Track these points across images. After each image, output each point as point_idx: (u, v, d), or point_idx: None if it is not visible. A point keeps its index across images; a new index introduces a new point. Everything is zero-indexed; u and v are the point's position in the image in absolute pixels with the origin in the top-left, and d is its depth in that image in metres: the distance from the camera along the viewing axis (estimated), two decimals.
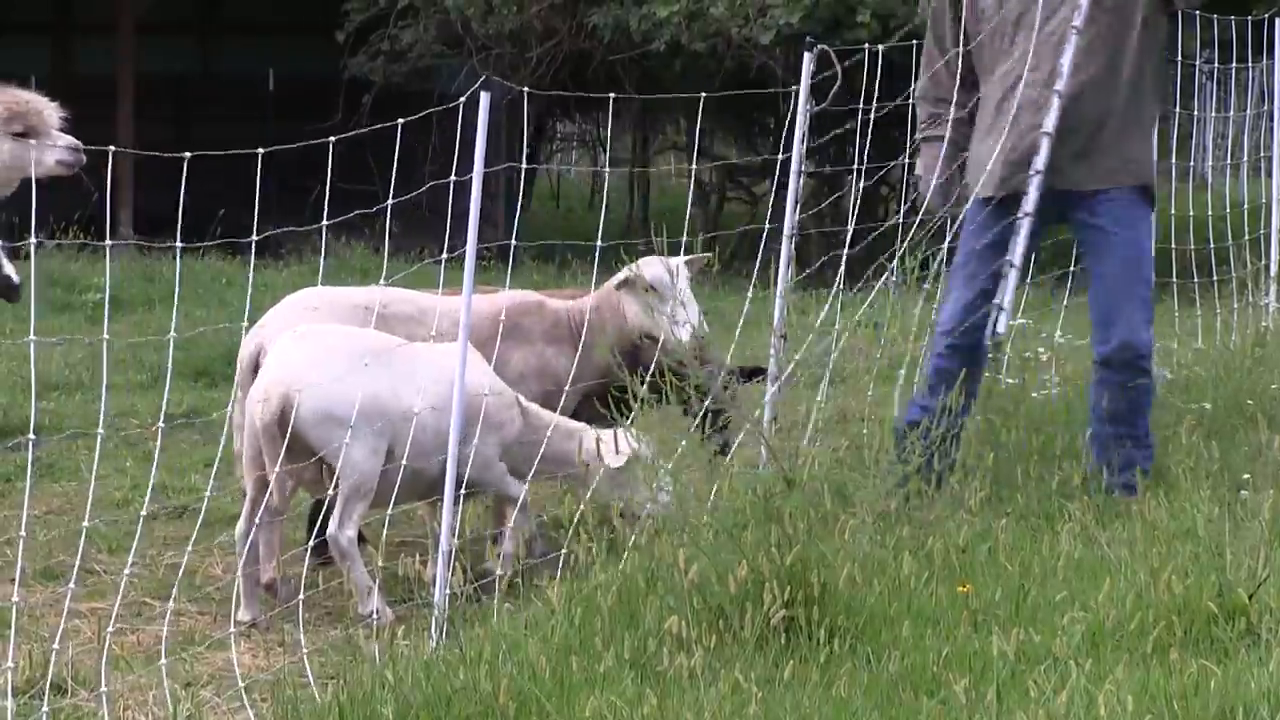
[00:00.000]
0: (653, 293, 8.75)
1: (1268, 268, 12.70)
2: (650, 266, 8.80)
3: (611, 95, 9.29)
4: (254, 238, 7.07)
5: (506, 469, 8.27)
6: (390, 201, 7.47)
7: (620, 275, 8.79)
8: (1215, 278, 12.51)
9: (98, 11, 23.20)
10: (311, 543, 8.21)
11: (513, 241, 8.27)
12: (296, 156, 7.54)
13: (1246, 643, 6.53)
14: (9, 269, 10.33)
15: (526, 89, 8.88)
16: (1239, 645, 6.51)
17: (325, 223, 7.43)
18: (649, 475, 7.89)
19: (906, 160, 10.17)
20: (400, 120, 7.43)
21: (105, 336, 7.01)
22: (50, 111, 8.34)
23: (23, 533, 6.32)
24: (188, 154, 6.67)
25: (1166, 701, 5.94)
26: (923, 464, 8.08)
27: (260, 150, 7.05)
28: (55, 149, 8.29)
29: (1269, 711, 5.87)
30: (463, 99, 7.34)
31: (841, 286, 9.35)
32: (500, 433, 8.16)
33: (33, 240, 6.30)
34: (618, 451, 8.13)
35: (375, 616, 7.63)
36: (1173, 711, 5.90)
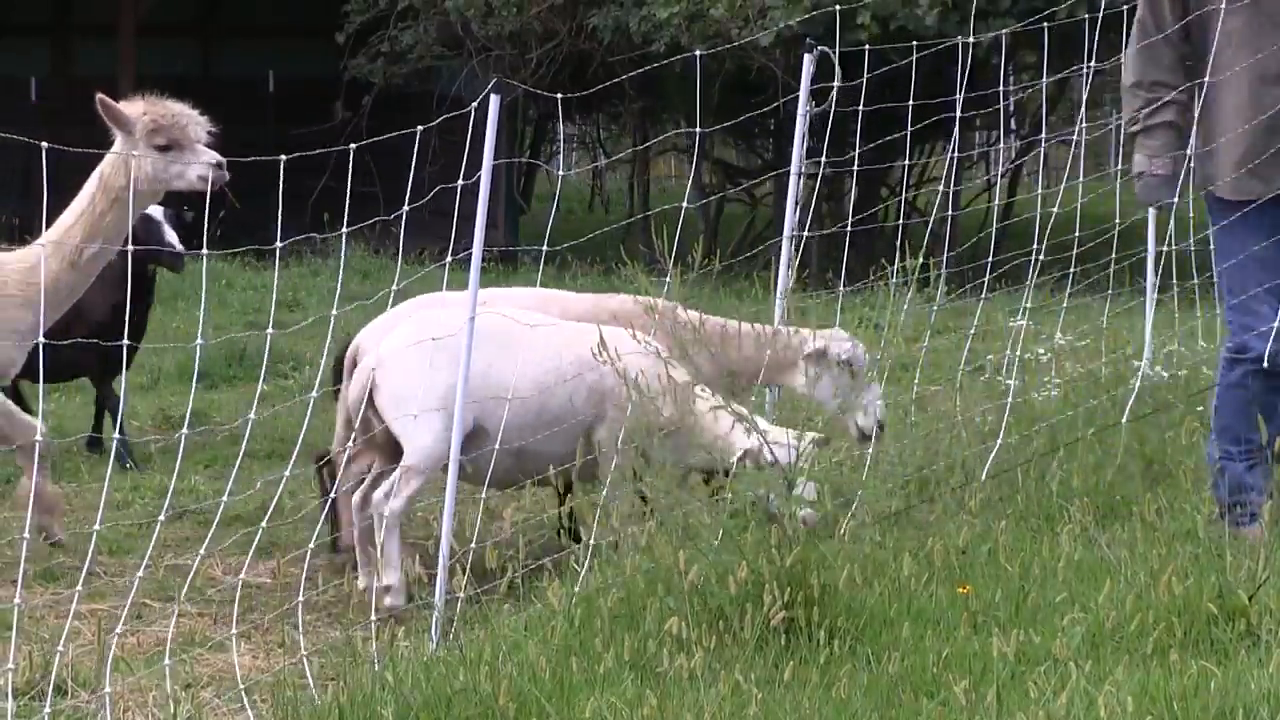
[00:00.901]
0: (843, 370, 8.64)
1: None
2: (846, 343, 8.68)
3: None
4: (278, 244, 7.16)
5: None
6: (406, 207, 7.48)
7: (813, 343, 8.64)
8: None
9: (98, 13, 23.21)
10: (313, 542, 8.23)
11: (544, 247, 8.18)
12: (296, 158, 7.54)
13: (1246, 644, 6.53)
14: (173, 238, 10.55)
15: (560, 95, 8.87)
16: (1239, 646, 6.51)
17: (345, 230, 7.46)
18: (792, 479, 7.83)
19: (907, 162, 10.18)
20: (419, 127, 7.46)
21: (125, 341, 7.03)
22: (195, 125, 8.24)
23: (26, 535, 6.32)
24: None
25: (1166, 703, 5.94)
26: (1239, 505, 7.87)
27: (257, 156, 7.11)
28: (198, 164, 8.17)
29: (1269, 713, 5.87)
30: (474, 104, 7.33)
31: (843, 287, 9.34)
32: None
33: (42, 243, 6.29)
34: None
35: (389, 594, 7.73)
36: (1173, 712, 5.90)
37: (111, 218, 8.16)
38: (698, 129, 9.51)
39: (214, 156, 8.15)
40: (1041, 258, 9.80)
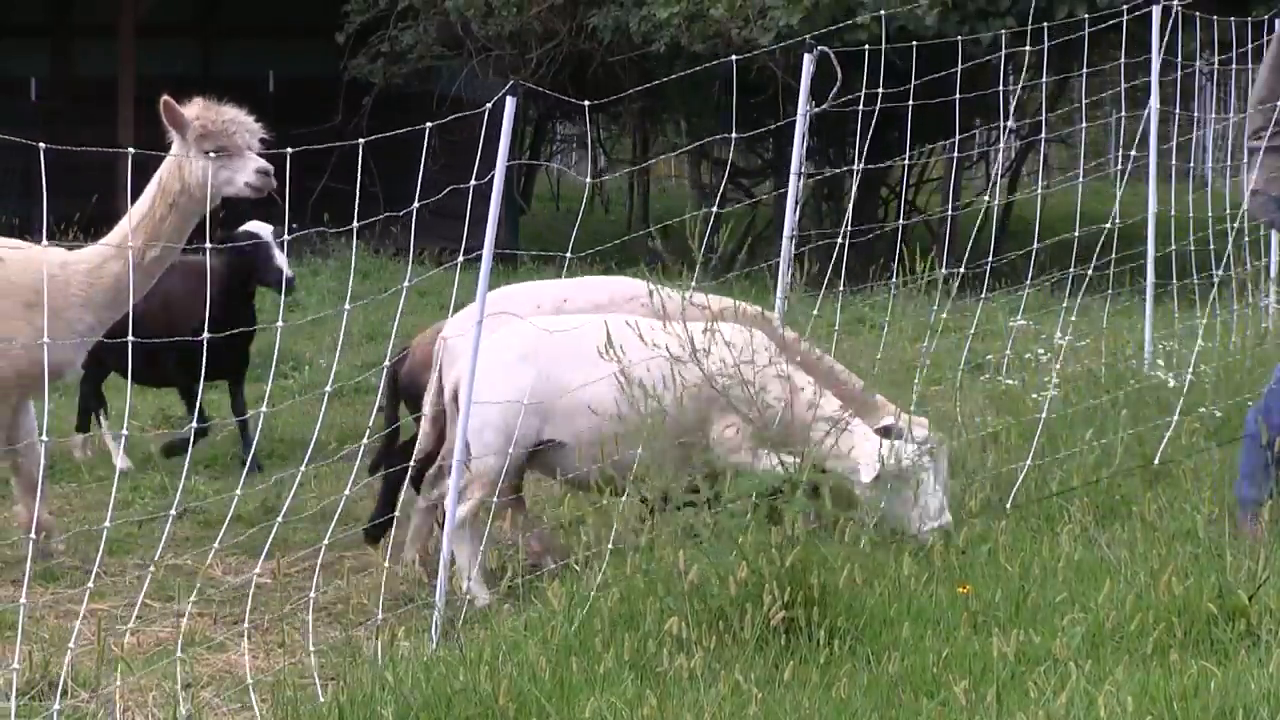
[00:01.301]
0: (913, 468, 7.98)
1: (1268, 268, 12.70)
2: (921, 430, 8.08)
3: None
4: (286, 237, 7.10)
5: (763, 454, 7.91)
6: (416, 205, 7.47)
7: (885, 421, 8.07)
8: (1215, 278, 12.50)
9: (98, 13, 23.20)
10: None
11: (568, 254, 8.14)
12: (295, 157, 7.54)
13: (1246, 644, 6.53)
14: (282, 262, 10.38)
15: (588, 103, 8.89)
16: (1239, 646, 6.51)
17: (356, 225, 7.44)
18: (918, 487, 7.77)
19: (907, 162, 10.18)
20: (428, 124, 7.45)
21: (130, 338, 7.03)
22: (246, 131, 8.28)
23: (31, 535, 6.32)
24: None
25: (1166, 703, 5.94)
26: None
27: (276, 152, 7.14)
28: (246, 171, 8.22)
29: (1269, 712, 5.87)
30: (489, 105, 7.32)
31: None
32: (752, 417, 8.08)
33: (43, 243, 6.29)
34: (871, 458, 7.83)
35: (470, 598, 7.71)
36: (1173, 712, 5.90)
37: (170, 221, 8.17)
38: (732, 134, 9.46)
39: (261, 163, 8.18)
40: (1041, 258, 9.79)
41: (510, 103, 7.23)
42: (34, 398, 8.48)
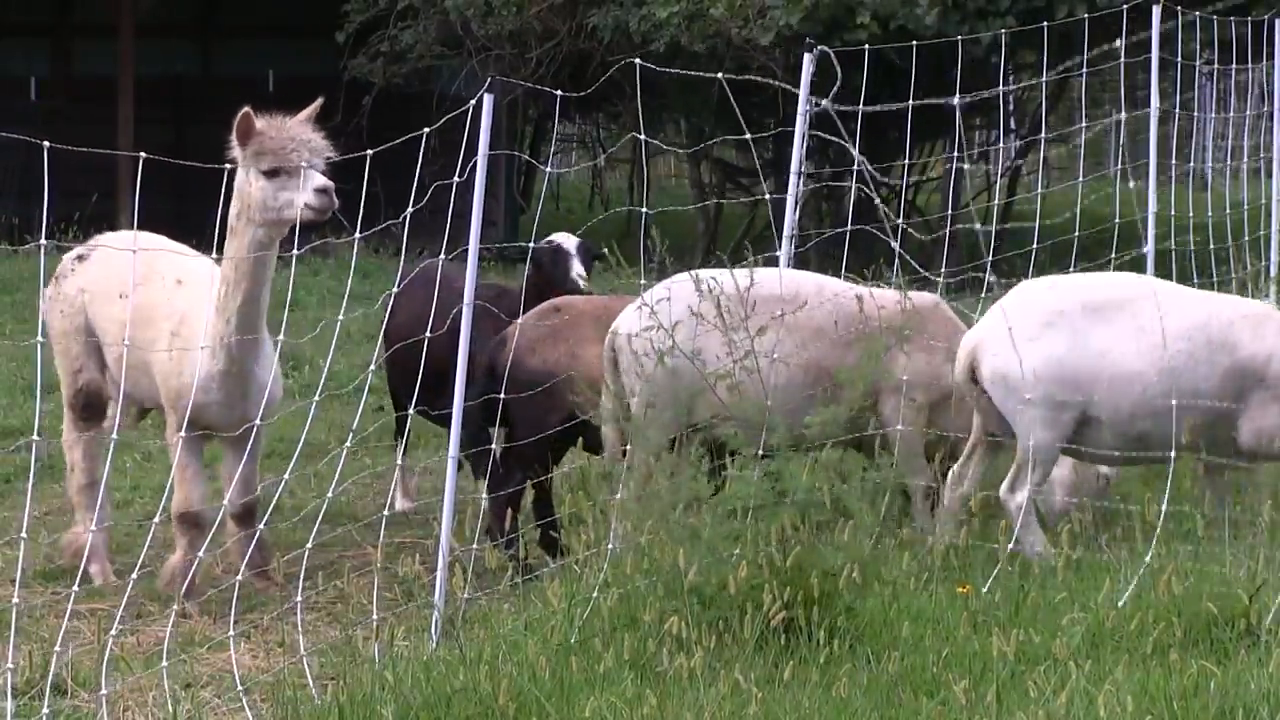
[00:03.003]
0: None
1: (1268, 268, 12.70)
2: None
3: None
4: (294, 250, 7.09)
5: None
6: (411, 209, 7.48)
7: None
8: (1215, 278, 12.50)
9: (98, 13, 23.18)
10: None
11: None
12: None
13: (1246, 644, 6.53)
14: (580, 270, 9.56)
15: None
16: (1239, 646, 6.51)
17: (367, 230, 7.46)
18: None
19: (907, 162, 10.18)
20: (426, 129, 7.45)
21: (127, 343, 7.04)
22: (305, 149, 7.67)
23: (24, 534, 6.32)
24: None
25: (1166, 702, 5.94)
26: None
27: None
28: (304, 191, 7.61)
29: (1269, 712, 5.87)
30: (471, 103, 7.33)
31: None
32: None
33: (42, 243, 6.29)
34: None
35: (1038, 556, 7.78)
36: (1172, 712, 5.90)
37: (234, 248, 7.72)
38: (748, 135, 9.45)
39: (321, 181, 7.61)
40: (1041, 257, 9.79)
41: (488, 100, 7.24)
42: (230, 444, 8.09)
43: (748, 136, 9.38)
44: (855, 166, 9.99)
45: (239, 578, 7.05)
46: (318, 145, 7.72)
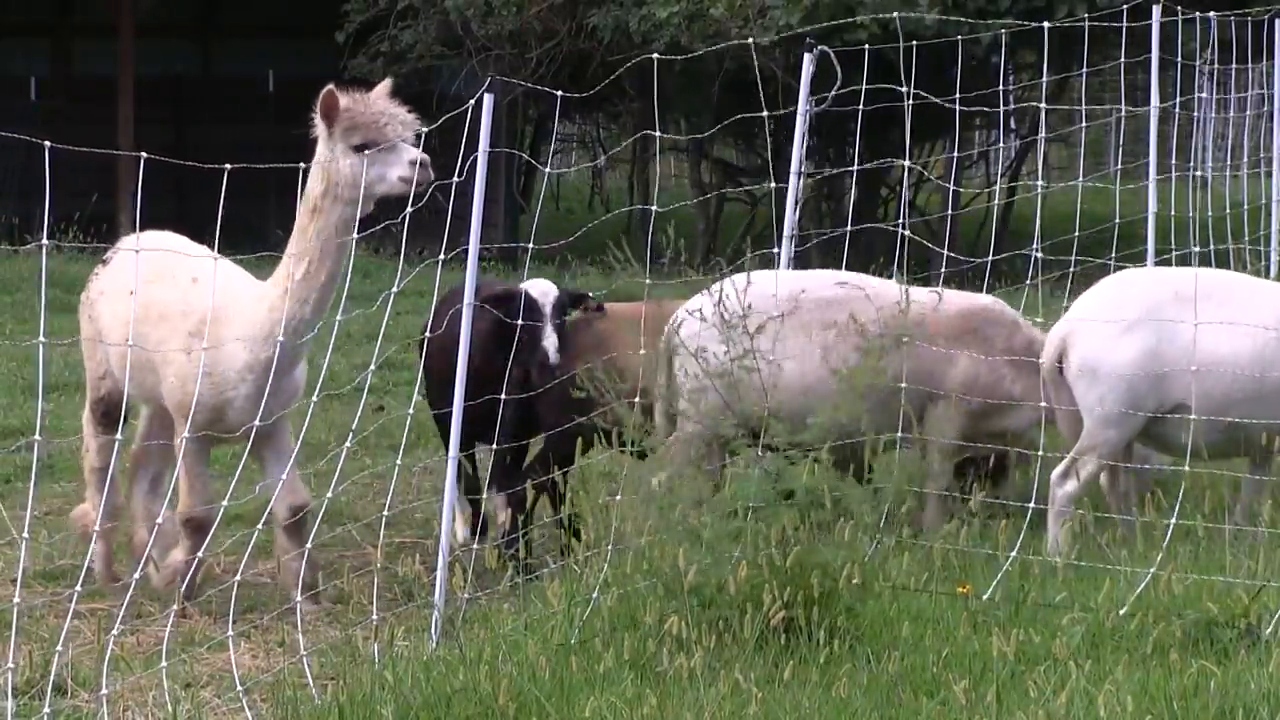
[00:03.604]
0: None
1: (1268, 268, 12.70)
2: None
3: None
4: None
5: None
6: (409, 209, 7.47)
7: None
8: None
9: (98, 13, 23.19)
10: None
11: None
12: (295, 158, 7.53)
13: (1246, 644, 6.53)
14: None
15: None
16: (1239, 646, 6.51)
17: (367, 230, 7.45)
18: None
19: (907, 162, 10.17)
20: (426, 129, 7.44)
21: (130, 342, 7.03)
22: (398, 122, 7.53)
23: (25, 535, 6.31)
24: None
25: (1166, 702, 5.94)
26: None
27: (258, 156, 7.05)
28: (399, 165, 7.49)
29: (1269, 712, 5.87)
30: (470, 103, 7.34)
31: None
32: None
33: (43, 242, 6.29)
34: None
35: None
36: (1172, 712, 5.90)
37: (314, 232, 7.57)
38: (765, 133, 9.47)
39: (415, 153, 7.49)
40: (1041, 256, 9.79)
41: (488, 100, 7.25)
42: (217, 442, 8.01)
43: (717, 125, 9.35)
44: (855, 166, 9.99)
45: (236, 578, 7.05)
46: (406, 119, 7.60)
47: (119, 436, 7.50)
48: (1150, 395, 7.99)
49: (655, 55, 9.21)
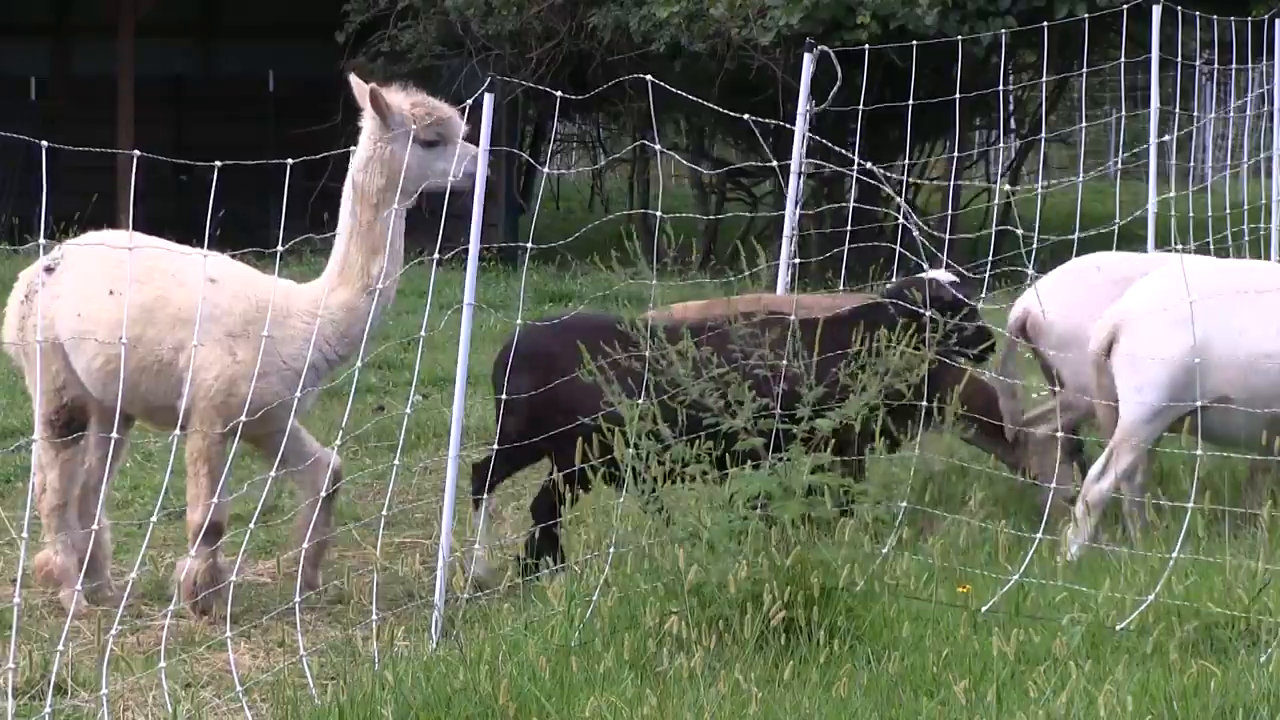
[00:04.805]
0: None
1: None
2: None
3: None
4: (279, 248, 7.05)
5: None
6: (407, 207, 7.46)
7: None
8: None
9: (98, 13, 23.19)
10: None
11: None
12: (295, 157, 7.53)
13: (1246, 644, 6.53)
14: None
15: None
16: (1239, 646, 6.51)
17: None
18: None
19: (908, 162, 10.19)
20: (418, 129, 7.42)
21: (124, 340, 7.02)
22: (459, 121, 7.71)
23: (25, 535, 6.32)
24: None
25: (1166, 702, 5.94)
26: None
27: (258, 155, 7.06)
28: (466, 159, 7.63)
29: (1269, 712, 5.87)
30: (470, 103, 7.35)
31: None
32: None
33: (42, 242, 6.29)
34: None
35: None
36: (1172, 712, 5.90)
37: (380, 226, 7.60)
38: (763, 140, 9.48)
39: (474, 149, 7.62)
40: (1042, 256, 9.80)
41: (489, 100, 7.26)
42: (267, 444, 7.84)
43: (718, 125, 9.36)
44: (855, 167, 9.99)
45: (235, 578, 7.04)
46: (458, 119, 7.75)
47: (113, 435, 7.44)
48: (1193, 387, 7.92)
49: (651, 62, 9.22)
